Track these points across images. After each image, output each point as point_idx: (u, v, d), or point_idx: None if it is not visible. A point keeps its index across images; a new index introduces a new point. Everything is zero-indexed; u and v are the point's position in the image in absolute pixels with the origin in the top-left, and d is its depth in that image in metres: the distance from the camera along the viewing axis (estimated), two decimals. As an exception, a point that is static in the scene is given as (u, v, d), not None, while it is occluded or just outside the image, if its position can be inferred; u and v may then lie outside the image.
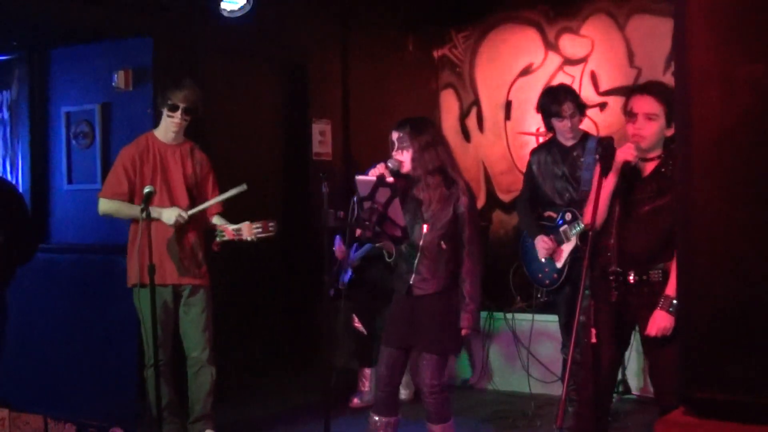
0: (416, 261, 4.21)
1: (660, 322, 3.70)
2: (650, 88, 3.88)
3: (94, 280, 6.24)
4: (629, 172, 3.79)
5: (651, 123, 3.75)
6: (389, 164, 4.18)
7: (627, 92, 4.21)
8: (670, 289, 3.69)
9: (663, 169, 3.79)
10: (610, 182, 3.75)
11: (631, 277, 3.78)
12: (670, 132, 3.78)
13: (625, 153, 3.74)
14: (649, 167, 3.81)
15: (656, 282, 3.75)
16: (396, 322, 4.32)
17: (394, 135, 4.27)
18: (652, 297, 3.74)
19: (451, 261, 4.19)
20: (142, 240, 4.61)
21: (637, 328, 3.91)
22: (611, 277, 3.77)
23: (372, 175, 4.14)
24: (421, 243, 4.20)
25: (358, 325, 6.16)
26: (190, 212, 4.93)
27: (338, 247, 6.00)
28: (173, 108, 4.96)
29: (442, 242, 4.18)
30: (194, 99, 4.99)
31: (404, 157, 4.22)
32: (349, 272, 6.08)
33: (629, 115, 3.82)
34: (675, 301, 3.64)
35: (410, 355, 4.37)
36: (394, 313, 4.36)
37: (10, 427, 4.54)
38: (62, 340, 6.36)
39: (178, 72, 5.17)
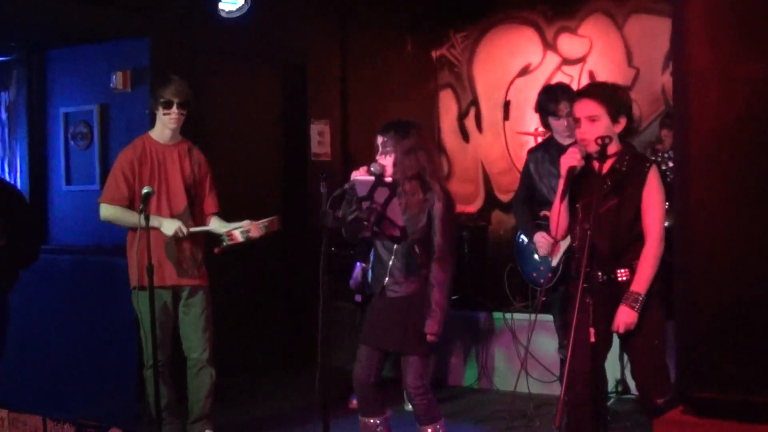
0: (390, 263, 4.25)
1: (623, 317, 3.76)
2: (588, 91, 3.94)
3: (93, 281, 6.24)
4: (587, 173, 3.84)
5: (594, 124, 3.80)
6: (372, 168, 4.19)
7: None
8: (636, 284, 3.76)
9: (617, 166, 3.84)
10: (559, 188, 3.84)
11: (599, 278, 3.82)
12: (618, 128, 3.84)
13: (569, 159, 3.80)
14: (605, 166, 3.85)
15: (624, 282, 3.81)
16: (372, 322, 4.37)
17: (379, 139, 4.29)
18: (621, 296, 3.79)
19: (425, 265, 4.21)
20: (140, 242, 4.61)
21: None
22: (581, 278, 3.79)
23: (353, 177, 4.16)
24: (395, 246, 4.23)
25: None
26: (192, 230, 4.92)
27: (355, 277, 5.99)
28: (168, 104, 4.96)
29: (416, 246, 4.20)
30: (186, 92, 4.99)
31: (387, 162, 4.24)
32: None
33: (575, 121, 3.89)
34: (640, 297, 3.73)
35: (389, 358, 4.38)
36: (371, 314, 4.41)
37: (9, 428, 4.54)
38: (61, 340, 6.36)
39: (176, 73, 5.16)
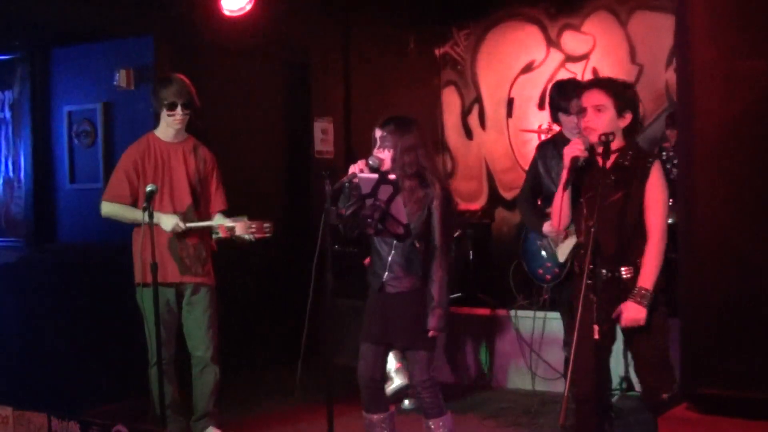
0: (390, 259, 4.24)
1: (632, 313, 3.73)
2: (596, 82, 3.97)
3: (98, 278, 6.24)
4: (589, 167, 3.84)
5: (600, 114, 3.80)
6: (370, 161, 4.21)
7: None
8: (642, 280, 3.74)
9: (621, 161, 3.83)
10: (562, 178, 3.84)
11: (603, 274, 3.81)
12: (623, 123, 3.83)
13: (572, 149, 3.81)
14: (608, 161, 3.83)
15: (628, 279, 3.79)
16: (371, 318, 4.36)
17: (378, 132, 4.30)
18: (625, 293, 3.77)
19: (425, 261, 4.22)
20: (144, 239, 4.62)
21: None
22: (584, 275, 3.78)
23: (351, 171, 4.17)
24: (395, 241, 4.23)
25: None
26: (189, 225, 4.92)
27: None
28: (172, 106, 4.95)
29: (416, 242, 4.21)
30: (188, 91, 4.98)
31: (385, 156, 4.25)
32: None
33: (580, 111, 3.89)
34: (648, 293, 3.70)
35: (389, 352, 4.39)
36: (370, 309, 4.39)
37: (13, 425, 4.55)
38: (66, 338, 6.36)
39: (179, 71, 5.16)
